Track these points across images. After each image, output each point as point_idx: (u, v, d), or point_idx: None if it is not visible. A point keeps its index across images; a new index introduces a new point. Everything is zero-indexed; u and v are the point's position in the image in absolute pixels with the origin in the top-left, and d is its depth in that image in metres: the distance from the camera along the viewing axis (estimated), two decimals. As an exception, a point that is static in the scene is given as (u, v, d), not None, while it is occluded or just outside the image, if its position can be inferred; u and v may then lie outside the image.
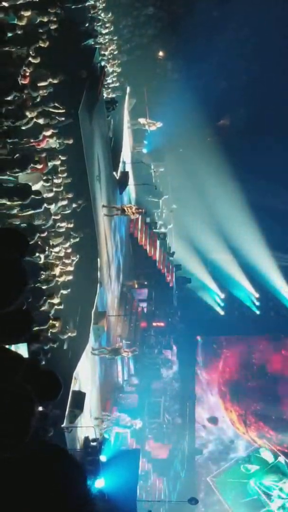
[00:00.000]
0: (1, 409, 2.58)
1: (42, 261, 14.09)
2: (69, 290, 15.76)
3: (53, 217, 15.26)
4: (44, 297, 13.77)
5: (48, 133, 14.80)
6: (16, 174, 13.28)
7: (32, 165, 13.65)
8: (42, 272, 13.87)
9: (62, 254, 15.78)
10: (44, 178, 14.98)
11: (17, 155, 13.01)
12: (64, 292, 15.46)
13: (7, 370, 2.96)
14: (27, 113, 13.37)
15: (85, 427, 18.43)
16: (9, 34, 13.41)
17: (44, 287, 14.02)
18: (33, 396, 2.71)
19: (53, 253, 15.20)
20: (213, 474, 36.64)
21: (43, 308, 13.78)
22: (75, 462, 2.69)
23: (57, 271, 15.09)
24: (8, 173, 12.93)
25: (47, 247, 14.45)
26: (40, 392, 2.88)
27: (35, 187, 14.13)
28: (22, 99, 13.33)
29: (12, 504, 2.39)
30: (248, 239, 38.68)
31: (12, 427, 2.54)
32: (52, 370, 3.60)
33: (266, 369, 39.59)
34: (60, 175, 15.87)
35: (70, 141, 16.46)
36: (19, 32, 13.79)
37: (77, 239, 16.89)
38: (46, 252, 14.35)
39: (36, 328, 13.00)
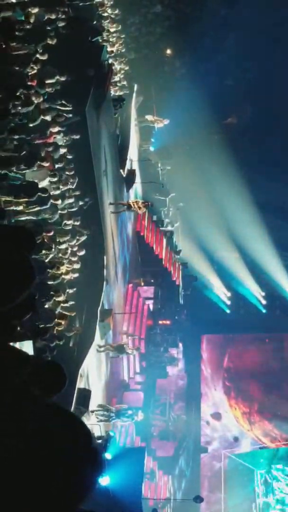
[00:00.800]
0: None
1: (48, 259, 14.07)
2: (75, 287, 15.75)
3: (59, 212, 15.25)
4: (51, 294, 13.77)
5: (55, 130, 14.79)
6: (23, 171, 13.28)
7: (38, 162, 13.64)
8: (48, 270, 13.86)
9: (68, 251, 15.75)
10: (51, 175, 14.97)
11: (24, 152, 13.00)
12: (70, 289, 15.44)
13: (12, 369, 2.94)
14: (34, 99, 13.29)
15: (91, 424, 18.44)
16: (17, 33, 13.41)
17: (50, 283, 14.01)
18: (37, 394, 2.67)
19: (59, 251, 15.19)
20: (230, 449, 36.53)
21: (49, 306, 13.77)
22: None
23: (63, 268, 15.07)
24: (14, 170, 12.92)
25: (53, 245, 14.44)
26: (44, 385, 2.85)
27: (42, 184, 14.12)
28: (29, 96, 13.32)
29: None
30: (255, 238, 38.57)
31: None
32: (56, 362, 3.57)
33: (270, 367, 39.50)
34: (67, 172, 15.86)
35: (77, 138, 16.46)
36: (28, 27, 13.79)
37: (84, 237, 16.87)
38: (53, 250, 14.33)
39: (42, 325, 13.00)
